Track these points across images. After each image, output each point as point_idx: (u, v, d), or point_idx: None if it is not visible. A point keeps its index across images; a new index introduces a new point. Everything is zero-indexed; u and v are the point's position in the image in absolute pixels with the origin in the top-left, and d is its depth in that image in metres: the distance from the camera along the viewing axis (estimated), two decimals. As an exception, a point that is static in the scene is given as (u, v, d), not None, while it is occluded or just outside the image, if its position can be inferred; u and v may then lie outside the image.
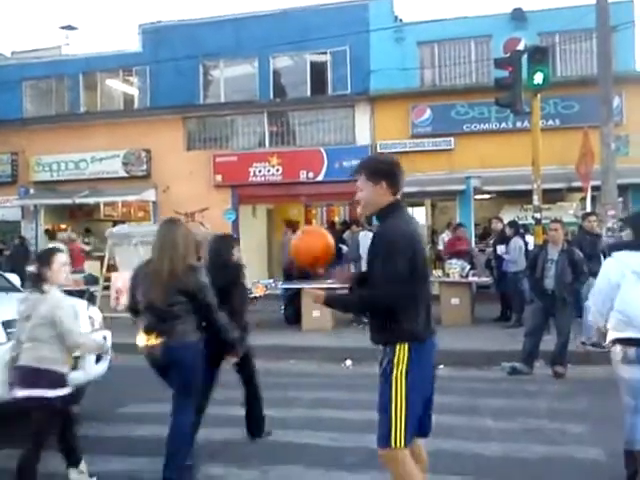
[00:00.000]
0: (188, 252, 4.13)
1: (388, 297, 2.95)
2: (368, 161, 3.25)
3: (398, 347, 2.98)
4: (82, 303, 6.25)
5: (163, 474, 4.03)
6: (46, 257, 4.02)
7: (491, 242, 12.16)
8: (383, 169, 3.11)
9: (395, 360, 2.97)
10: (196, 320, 4.16)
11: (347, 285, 3.42)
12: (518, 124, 14.37)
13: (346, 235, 13.40)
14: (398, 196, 3.14)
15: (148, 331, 4.14)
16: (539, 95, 10.23)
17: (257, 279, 12.12)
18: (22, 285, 7.80)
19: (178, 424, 4.10)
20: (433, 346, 3.11)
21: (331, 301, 3.20)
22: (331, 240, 3.47)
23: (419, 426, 3.08)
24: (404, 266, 2.92)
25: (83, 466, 4.28)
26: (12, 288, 6.47)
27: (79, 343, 3.99)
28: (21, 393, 3.84)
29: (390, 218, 3.08)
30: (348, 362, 7.81)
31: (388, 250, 2.95)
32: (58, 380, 3.85)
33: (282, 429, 5.41)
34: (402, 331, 2.98)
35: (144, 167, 17.71)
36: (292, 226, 13.33)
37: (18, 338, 3.98)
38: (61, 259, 4.03)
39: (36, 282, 3.96)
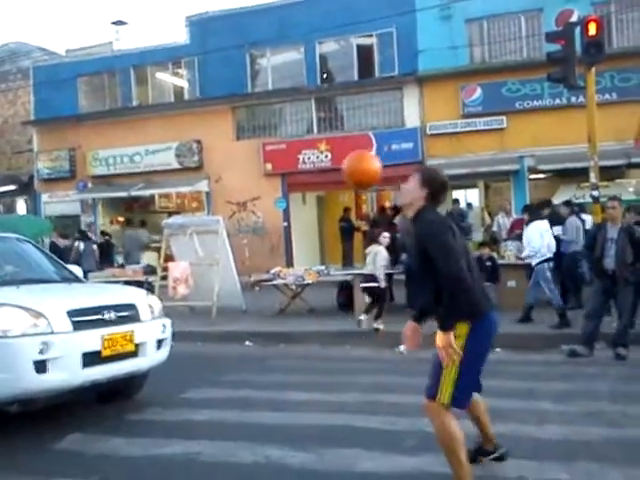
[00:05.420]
0: None
1: (456, 270, 3.23)
2: (426, 169, 3.96)
3: (459, 325, 3.34)
4: (141, 292, 6.46)
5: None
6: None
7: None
8: (433, 183, 3.54)
9: (455, 333, 3.33)
10: None
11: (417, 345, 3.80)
12: (572, 99, 13.95)
13: (397, 220, 13.32)
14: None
15: None
16: (594, 68, 9.88)
17: (309, 266, 12.22)
18: (85, 276, 8.12)
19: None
20: (492, 323, 3.46)
21: (446, 326, 3.32)
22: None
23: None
24: (450, 239, 3.31)
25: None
26: (75, 279, 6.71)
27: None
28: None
29: (423, 214, 3.49)
30: (402, 347, 7.76)
31: (431, 233, 3.34)
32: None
33: (338, 412, 5.49)
34: (462, 311, 3.31)
35: (196, 158, 18.02)
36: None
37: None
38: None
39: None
